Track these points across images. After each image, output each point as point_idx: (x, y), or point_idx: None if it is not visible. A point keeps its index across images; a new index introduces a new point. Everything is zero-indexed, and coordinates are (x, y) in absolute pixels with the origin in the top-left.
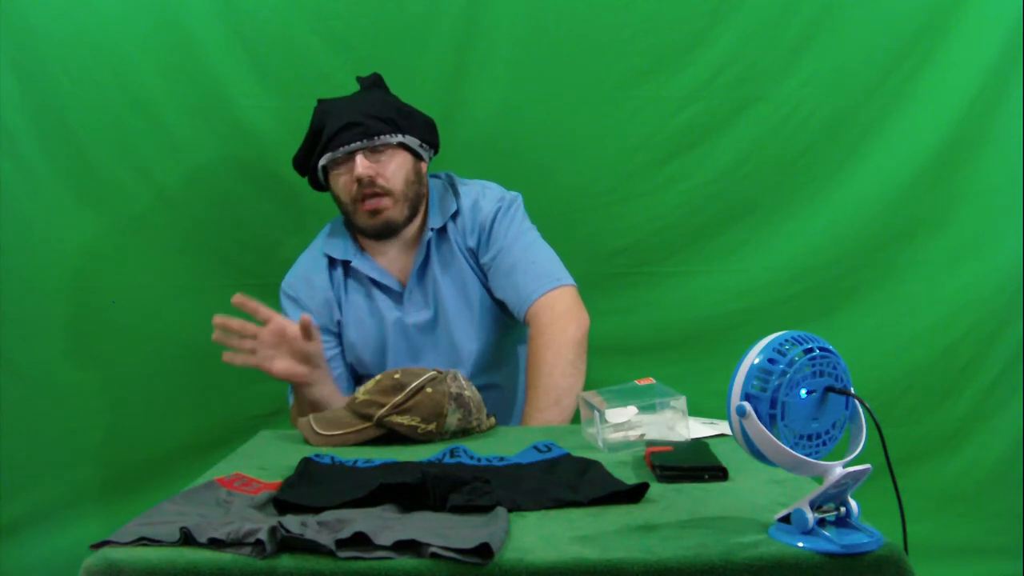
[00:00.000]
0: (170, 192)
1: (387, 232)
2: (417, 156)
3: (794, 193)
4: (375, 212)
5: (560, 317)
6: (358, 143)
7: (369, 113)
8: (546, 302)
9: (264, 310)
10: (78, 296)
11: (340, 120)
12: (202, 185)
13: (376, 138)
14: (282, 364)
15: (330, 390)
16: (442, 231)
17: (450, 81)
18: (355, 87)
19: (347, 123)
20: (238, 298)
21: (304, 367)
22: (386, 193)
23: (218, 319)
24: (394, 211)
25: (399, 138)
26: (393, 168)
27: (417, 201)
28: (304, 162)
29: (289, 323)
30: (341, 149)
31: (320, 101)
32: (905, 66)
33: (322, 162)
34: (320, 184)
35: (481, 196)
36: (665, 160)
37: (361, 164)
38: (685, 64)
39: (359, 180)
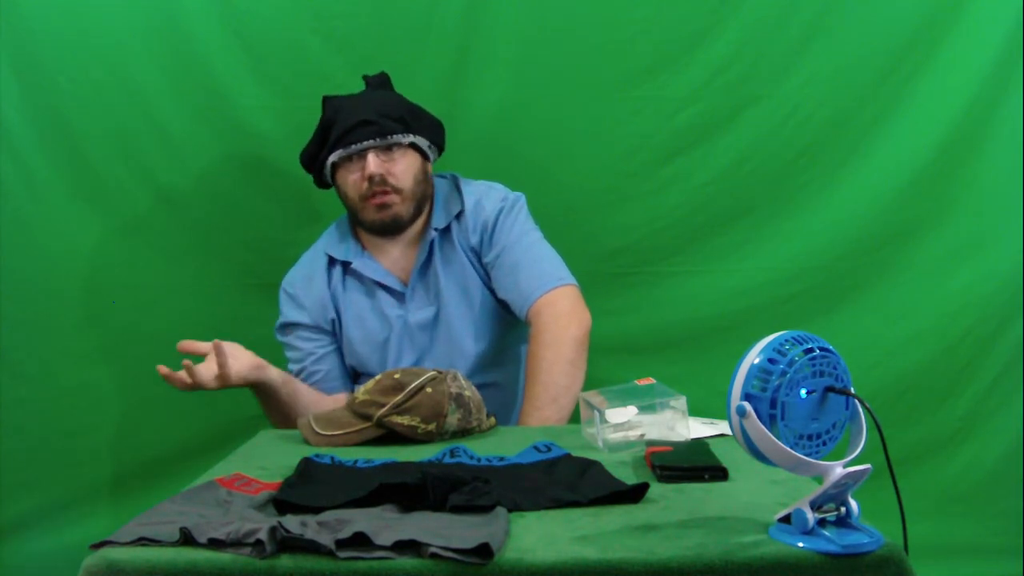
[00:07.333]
0: (170, 192)
1: (394, 228)
2: (424, 156)
3: (794, 193)
4: (383, 207)
5: (562, 316)
6: (370, 141)
7: (381, 112)
8: (548, 301)
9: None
10: (78, 296)
11: (352, 117)
12: (202, 185)
13: (389, 137)
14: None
15: (278, 375)
16: (446, 230)
17: (450, 81)
18: (355, 87)
19: (360, 121)
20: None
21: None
22: (396, 191)
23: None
24: (401, 208)
25: (410, 138)
26: (403, 167)
27: (423, 201)
28: (312, 158)
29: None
30: (353, 146)
31: (329, 98)
32: (905, 66)
33: (332, 159)
34: (325, 181)
35: (484, 196)
36: (665, 160)
37: (373, 162)
38: (685, 64)
39: (370, 178)
